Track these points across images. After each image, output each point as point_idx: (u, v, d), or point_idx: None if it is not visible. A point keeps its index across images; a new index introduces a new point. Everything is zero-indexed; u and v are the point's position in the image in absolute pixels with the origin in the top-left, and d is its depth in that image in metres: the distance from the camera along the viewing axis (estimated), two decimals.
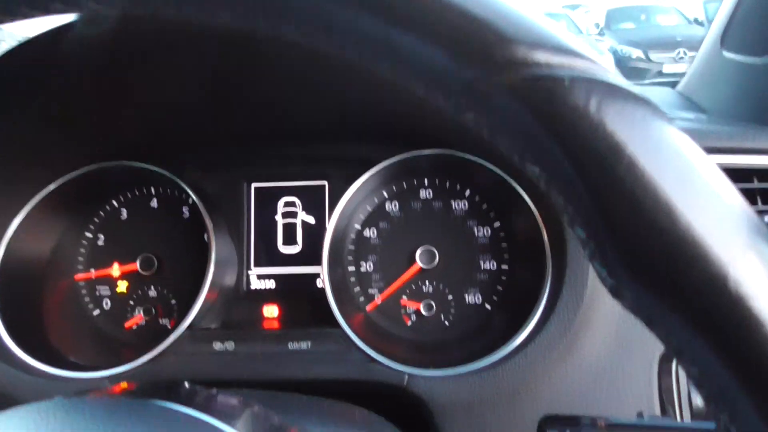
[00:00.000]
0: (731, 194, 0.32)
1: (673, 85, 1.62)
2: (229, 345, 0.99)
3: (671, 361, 0.84)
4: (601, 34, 12.29)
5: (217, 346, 0.99)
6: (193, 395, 0.56)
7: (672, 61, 10.13)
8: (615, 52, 10.84)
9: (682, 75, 1.61)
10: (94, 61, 0.89)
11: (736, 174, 0.94)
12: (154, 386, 0.57)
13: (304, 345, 0.98)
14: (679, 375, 0.83)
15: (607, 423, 0.59)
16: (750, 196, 0.93)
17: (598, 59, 0.35)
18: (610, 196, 0.32)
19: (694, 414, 0.83)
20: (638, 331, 0.87)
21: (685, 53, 9.93)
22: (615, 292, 0.36)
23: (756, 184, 0.95)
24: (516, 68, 0.33)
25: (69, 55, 0.87)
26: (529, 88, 0.33)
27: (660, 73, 10.02)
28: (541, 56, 0.33)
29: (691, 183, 0.31)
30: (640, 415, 0.67)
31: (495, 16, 0.33)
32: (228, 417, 0.52)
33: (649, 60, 10.37)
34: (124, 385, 0.61)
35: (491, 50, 0.33)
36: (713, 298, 0.30)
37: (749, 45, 1.26)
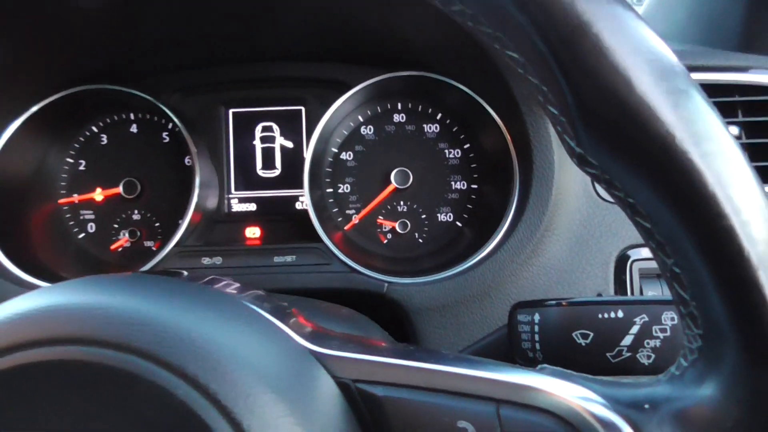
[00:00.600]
0: (676, 66, 0.39)
1: None
2: (217, 260, 1.04)
3: (627, 261, 0.93)
4: None
5: (206, 261, 1.04)
6: (200, 278, 0.62)
7: None
8: None
9: None
10: None
11: None
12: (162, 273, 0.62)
13: (289, 258, 1.04)
14: (632, 272, 0.93)
15: (569, 302, 0.67)
16: None
17: None
18: (578, 70, 0.38)
19: None
20: (596, 235, 0.96)
21: None
22: (581, 161, 0.42)
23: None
24: None
25: None
26: None
27: None
28: None
29: (644, 59, 0.38)
30: (599, 295, 0.76)
31: None
32: (239, 294, 0.58)
33: None
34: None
35: None
36: (664, 152, 0.37)
37: None
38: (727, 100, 0.99)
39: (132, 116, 1.19)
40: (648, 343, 0.63)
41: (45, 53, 1.02)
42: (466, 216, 1.16)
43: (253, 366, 0.44)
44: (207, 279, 0.64)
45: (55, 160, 1.17)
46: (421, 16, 0.95)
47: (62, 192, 1.19)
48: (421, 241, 1.17)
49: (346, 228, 1.16)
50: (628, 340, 0.63)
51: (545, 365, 0.51)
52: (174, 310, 0.46)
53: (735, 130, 0.98)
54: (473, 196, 1.16)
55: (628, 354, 0.63)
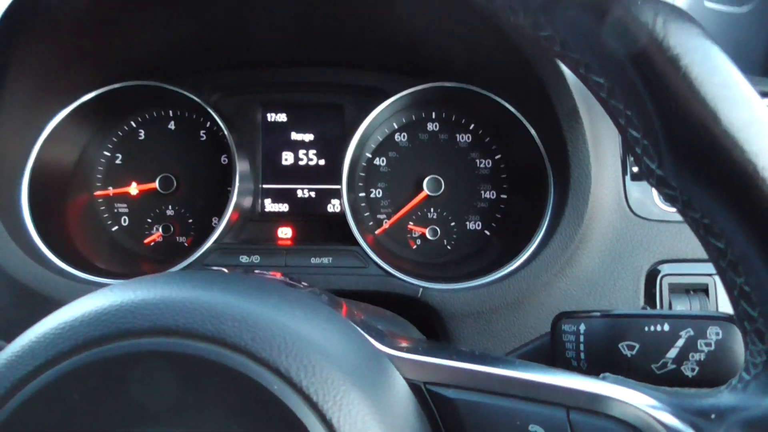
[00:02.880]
0: (757, 100, 0.41)
1: None
2: (255, 258, 1.06)
3: (657, 275, 0.96)
4: None
5: (244, 259, 1.07)
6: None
7: None
8: None
9: None
10: None
11: None
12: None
13: (326, 260, 1.06)
14: (662, 286, 0.96)
15: (616, 314, 0.70)
16: None
17: None
18: (668, 97, 0.41)
19: None
20: (629, 249, 0.99)
21: None
22: (661, 183, 0.45)
23: None
24: None
25: None
26: (606, 6, 0.41)
27: None
28: None
29: (729, 90, 0.40)
30: (644, 308, 0.78)
31: None
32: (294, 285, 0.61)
33: None
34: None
35: None
36: (745, 179, 0.40)
37: None
38: None
39: (171, 113, 1.21)
40: (693, 356, 0.66)
41: (95, 49, 1.04)
42: (494, 225, 1.19)
43: (340, 365, 0.47)
44: (286, 278, 0.67)
45: (93, 153, 1.19)
46: (466, 30, 0.98)
47: (98, 185, 1.21)
48: (449, 248, 1.19)
49: (377, 232, 1.19)
50: (673, 353, 0.66)
51: (607, 374, 0.54)
52: (267, 308, 0.48)
53: None
54: (502, 206, 1.19)
55: (673, 366, 0.66)
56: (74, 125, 1.12)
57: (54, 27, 0.95)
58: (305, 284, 0.72)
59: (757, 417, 0.44)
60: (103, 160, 1.20)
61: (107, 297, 0.48)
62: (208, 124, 1.19)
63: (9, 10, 0.89)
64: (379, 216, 1.20)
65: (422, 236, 1.19)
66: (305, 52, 1.16)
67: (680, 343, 0.66)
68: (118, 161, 1.21)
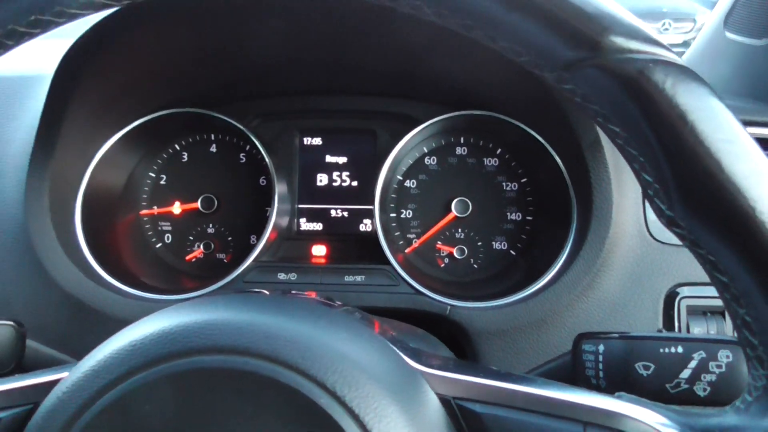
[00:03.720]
0: (758, 152, 0.46)
1: None
2: (292, 276, 1.13)
3: (675, 298, 1.00)
4: None
5: (282, 276, 1.13)
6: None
7: (658, 31, 10.23)
8: None
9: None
10: (185, 19, 1.00)
11: None
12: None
13: (359, 278, 1.12)
14: (680, 309, 1.00)
15: (633, 336, 0.75)
16: None
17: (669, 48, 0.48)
18: (677, 149, 0.46)
19: None
20: (648, 273, 1.03)
21: (670, 24, 10.04)
22: (671, 223, 0.50)
23: None
24: (614, 52, 0.46)
25: (161, 16, 0.98)
26: (623, 68, 0.46)
27: None
28: (634, 44, 0.46)
29: (732, 144, 0.45)
30: (660, 330, 0.83)
31: (599, 11, 0.46)
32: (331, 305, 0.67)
33: None
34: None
35: (596, 37, 0.46)
36: (746, 222, 0.45)
37: (751, 27, 1.39)
38: None
39: (213, 137, 1.29)
40: (705, 377, 0.70)
41: (145, 82, 1.12)
42: (519, 246, 1.24)
43: (379, 381, 0.52)
44: (321, 296, 0.74)
45: (140, 175, 1.27)
46: (492, 62, 1.03)
47: (143, 204, 1.28)
48: (476, 266, 1.24)
49: (407, 251, 1.25)
50: (686, 374, 0.70)
51: (622, 393, 0.58)
52: (316, 329, 0.54)
53: None
54: (527, 228, 1.24)
55: (686, 386, 0.70)
56: (124, 150, 1.20)
57: (111, 66, 1.04)
58: (339, 303, 0.77)
59: None
60: (148, 181, 1.28)
61: (173, 318, 0.54)
62: (248, 147, 1.27)
63: (72, 51, 0.97)
64: (408, 236, 1.26)
65: (450, 255, 1.25)
66: (340, 81, 1.23)
67: (693, 364, 0.70)
68: (162, 182, 1.29)
